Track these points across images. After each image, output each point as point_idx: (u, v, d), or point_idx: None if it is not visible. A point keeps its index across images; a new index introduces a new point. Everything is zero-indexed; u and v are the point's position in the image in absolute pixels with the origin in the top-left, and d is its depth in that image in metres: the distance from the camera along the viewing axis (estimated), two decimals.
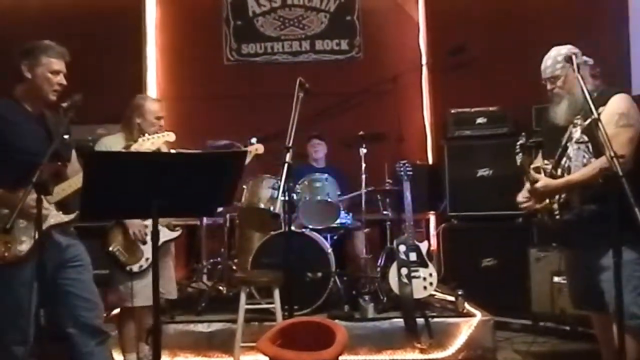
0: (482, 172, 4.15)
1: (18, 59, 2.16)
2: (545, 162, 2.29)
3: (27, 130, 2.14)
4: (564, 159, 2.22)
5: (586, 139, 2.14)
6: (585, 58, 2.25)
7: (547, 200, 2.26)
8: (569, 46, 2.27)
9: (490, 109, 4.28)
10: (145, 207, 1.83)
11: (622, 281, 1.80)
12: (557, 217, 2.23)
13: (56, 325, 2.15)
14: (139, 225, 2.68)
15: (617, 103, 2.13)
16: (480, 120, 4.26)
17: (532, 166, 2.27)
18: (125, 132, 2.78)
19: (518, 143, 2.28)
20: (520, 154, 2.26)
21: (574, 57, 2.15)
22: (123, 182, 1.78)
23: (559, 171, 2.23)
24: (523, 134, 2.33)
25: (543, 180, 2.21)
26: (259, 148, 3.41)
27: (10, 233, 1.94)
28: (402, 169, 3.61)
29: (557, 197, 2.23)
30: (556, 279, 3.42)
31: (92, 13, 4.68)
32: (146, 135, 2.61)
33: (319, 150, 4.27)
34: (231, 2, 4.95)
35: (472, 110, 4.31)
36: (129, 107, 2.83)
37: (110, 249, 2.66)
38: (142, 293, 2.61)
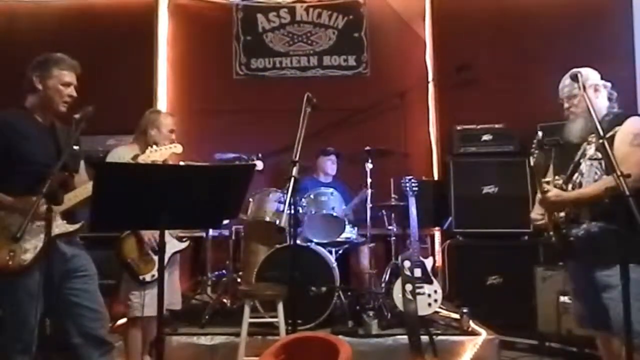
0: (488, 189, 4.15)
1: (30, 71, 2.20)
2: (557, 177, 2.30)
3: (37, 141, 2.17)
4: (576, 174, 2.24)
5: (600, 156, 2.15)
6: (604, 82, 2.30)
7: (557, 215, 2.26)
8: (588, 69, 2.31)
9: (496, 126, 4.30)
10: (153, 218, 1.84)
11: (623, 300, 1.79)
12: (565, 231, 2.23)
13: (61, 334, 2.16)
14: (150, 233, 2.70)
15: (633, 123, 2.16)
16: (485, 137, 4.28)
17: (543, 180, 2.28)
18: (140, 144, 2.82)
19: (535, 140, 2.29)
20: (536, 152, 2.26)
21: (579, 75, 2.18)
22: (132, 194, 1.79)
23: (570, 186, 2.24)
24: (541, 131, 2.34)
25: (555, 191, 2.22)
26: (258, 164, 3.45)
27: (18, 242, 1.95)
28: (407, 184, 3.61)
29: (566, 211, 2.23)
30: (562, 298, 3.39)
31: (104, 27, 4.77)
32: (154, 146, 2.64)
33: (334, 166, 4.32)
34: (241, 17, 5.04)
35: (478, 127, 4.33)
36: (143, 119, 2.89)
37: (126, 258, 2.67)
38: (152, 302, 2.60)
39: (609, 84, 2.31)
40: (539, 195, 2.30)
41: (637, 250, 1.81)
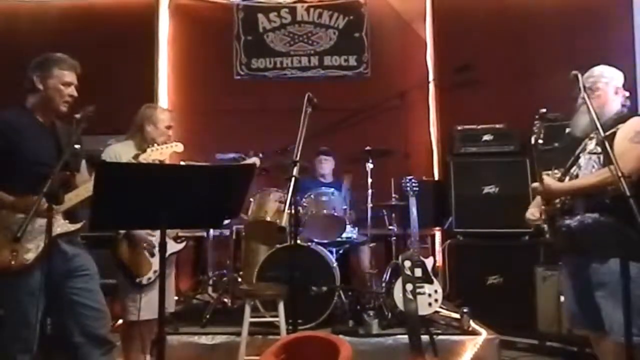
0: (488, 189, 4.15)
1: (30, 71, 2.20)
2: (555, 171, 2.32)
3: (38, 141, 2.17)
4: (574, 167, 2.26)
5: (599, 150, 2.18)
6: (624, 91, 2.35)
7: (552, 207, 2.27)
8: (617, 71, 2.36)
9: (497, 126, 4.30)
10: (153, 218, 1.85)
11: (623, 298, 1.80)
12: (558, 222, 2.24)
13: (63, 334, 2.16)
14: (145, 239, 2.65)
15: (636, 122, 2.19)
16: (486, 137, 4.28)
17: (543, 172, 2.29)
18: (136, 140, 2.77)
19: (538, 115, 2.30)
20: (538, 124, 2.27)
21: (579, 75, 2.19)
22: (132, 193, 1.80)
23: (567, 178, 2.27)
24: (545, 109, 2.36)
25: (550, 179, 2.25)
26: (255, 162, 3.43)
27: (19, 242, 1.95)
28: (408, 184, 3.61)
29: (560, 201, 2.25)
30: (563, 298, 3.39)
31: (105, 27, 4.79)
32: (155, 145, 2.63)
33: (325, 166, 4.30)
34: (242, 17, 5.04)
35: (479, 127, 4.33)
36: (139, 115, 2.82)
37: (122, 259, 2.63)
38: (148, 306, 2.57)
39: (627, 93, 2.36)
40: (534, 184, 2.29)
41: (634, 247, 1.81)
